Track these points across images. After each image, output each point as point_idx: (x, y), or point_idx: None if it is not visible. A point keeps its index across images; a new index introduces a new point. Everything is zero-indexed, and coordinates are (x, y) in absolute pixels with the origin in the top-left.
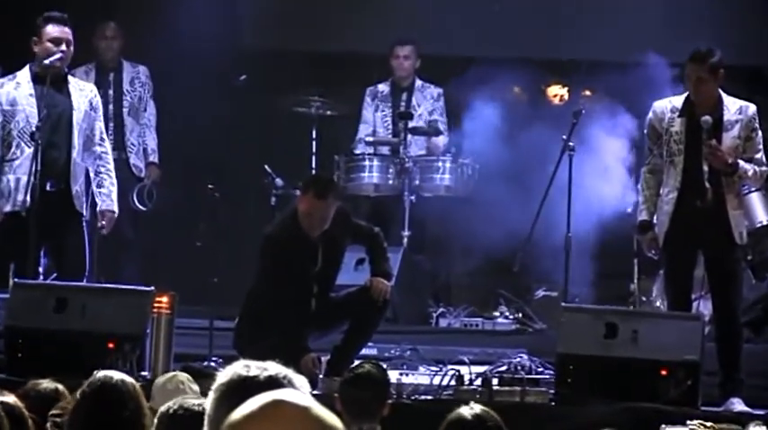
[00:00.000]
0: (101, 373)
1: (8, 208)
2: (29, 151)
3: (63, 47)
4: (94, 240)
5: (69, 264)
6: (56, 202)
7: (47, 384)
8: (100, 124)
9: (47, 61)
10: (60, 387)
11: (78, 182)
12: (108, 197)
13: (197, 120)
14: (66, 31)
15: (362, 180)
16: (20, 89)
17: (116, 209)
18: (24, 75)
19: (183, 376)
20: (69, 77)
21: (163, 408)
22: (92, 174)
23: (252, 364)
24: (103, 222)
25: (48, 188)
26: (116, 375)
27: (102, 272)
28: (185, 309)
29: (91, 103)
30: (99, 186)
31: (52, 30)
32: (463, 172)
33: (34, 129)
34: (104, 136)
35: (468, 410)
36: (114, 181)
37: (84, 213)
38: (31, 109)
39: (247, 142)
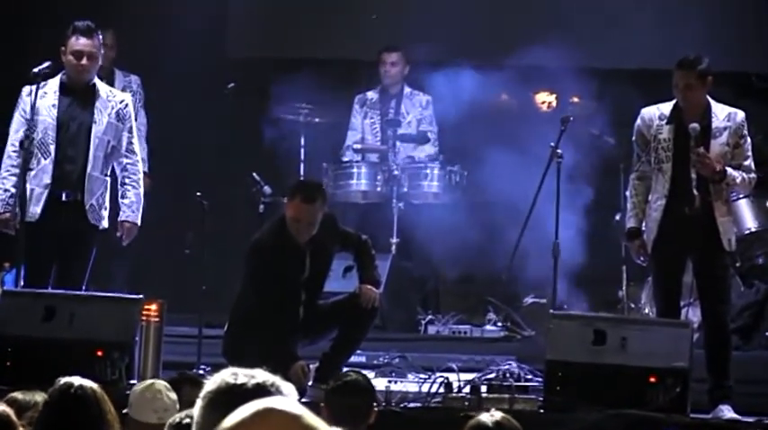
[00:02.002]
0: (63, 380)
1: (27, 218)
2: (45, 162)
3: (84, 60)
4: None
5: (68, 275)
6: (70, 213)
7: (26, 395)
8: (128, 135)
9: (36, 69)
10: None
11: (95, 195)
12: (129, 208)
13: (185, 128)
14: (89, 44)
15: (351, 187)
16: (44, 99)
17: (137, 220)
18: (53, 84)
19: (161, 384)
20: (100, 86)
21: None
22: (118, 185)
23: (239, 372)
24: (123, 233)
25: (63, 199)
26: (77, 381)
27: (92, 280)
28: (174, 317)
29: (118, 114)
30: (122, 197)
31: (75, 42)
32: (451, 179)
33: (23, 137)
34: (134, 147)
35: (489, 417)
36: (140, 192)
37: (102, 225)
38: (50, 121)
39: (235, 150)
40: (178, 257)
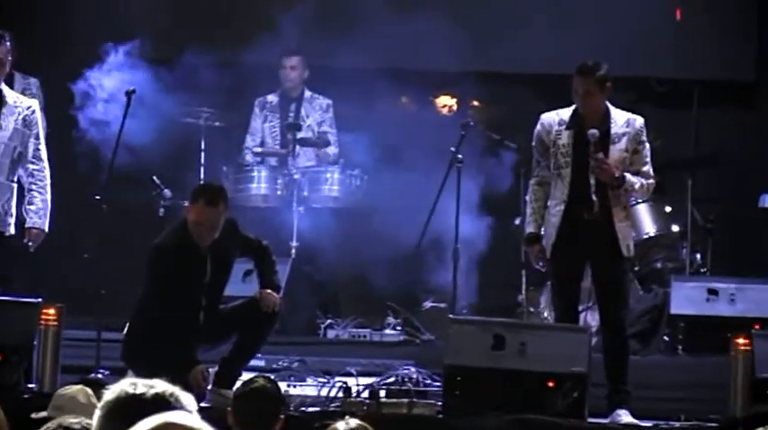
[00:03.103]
0: None
1: None
2: None
3: None
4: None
5: None
6: None
7: None
8: (35, 141)
9: None
10: None
11: (0, 201)
12: (36, 214)
13: (83, 130)
14: None
15: (251, 191)
16: None
17: (45, 227)
18: None
19: (89, 389)
20: (7, 92)
21: (49, 424)
22: (25, 191)
23: (139, 382)
24: (30, 239)
25: None
26: None
27: None
28: (73, 321)
29: (24, 120)
30: (29, 203)
31: None
32: (351, 183)
33: None
34: (40, 154)
35: (344, 425)
36: (47, 198)
37: (8, 231)
38: None
39: (135, 153)
40: (77, 260)
